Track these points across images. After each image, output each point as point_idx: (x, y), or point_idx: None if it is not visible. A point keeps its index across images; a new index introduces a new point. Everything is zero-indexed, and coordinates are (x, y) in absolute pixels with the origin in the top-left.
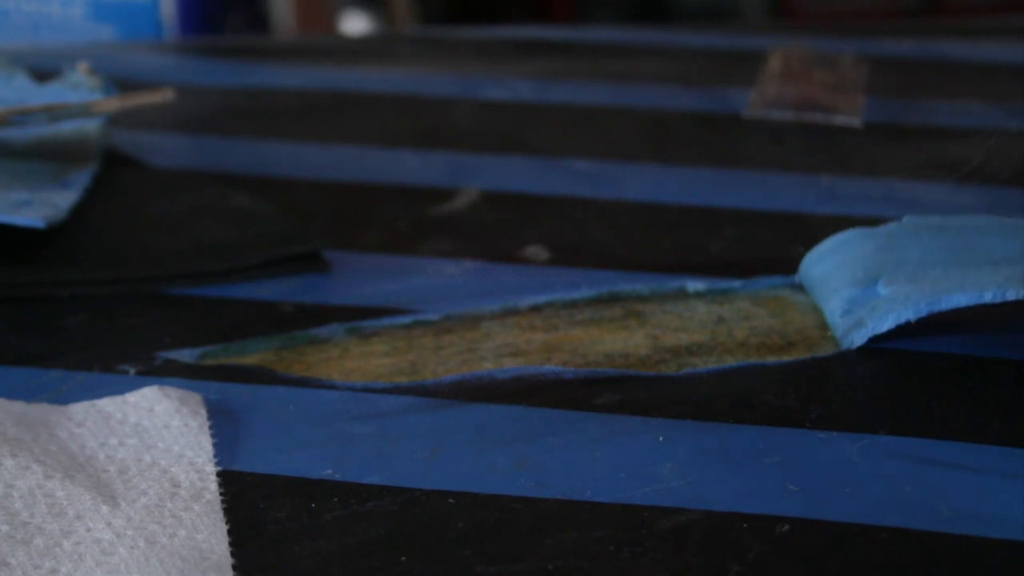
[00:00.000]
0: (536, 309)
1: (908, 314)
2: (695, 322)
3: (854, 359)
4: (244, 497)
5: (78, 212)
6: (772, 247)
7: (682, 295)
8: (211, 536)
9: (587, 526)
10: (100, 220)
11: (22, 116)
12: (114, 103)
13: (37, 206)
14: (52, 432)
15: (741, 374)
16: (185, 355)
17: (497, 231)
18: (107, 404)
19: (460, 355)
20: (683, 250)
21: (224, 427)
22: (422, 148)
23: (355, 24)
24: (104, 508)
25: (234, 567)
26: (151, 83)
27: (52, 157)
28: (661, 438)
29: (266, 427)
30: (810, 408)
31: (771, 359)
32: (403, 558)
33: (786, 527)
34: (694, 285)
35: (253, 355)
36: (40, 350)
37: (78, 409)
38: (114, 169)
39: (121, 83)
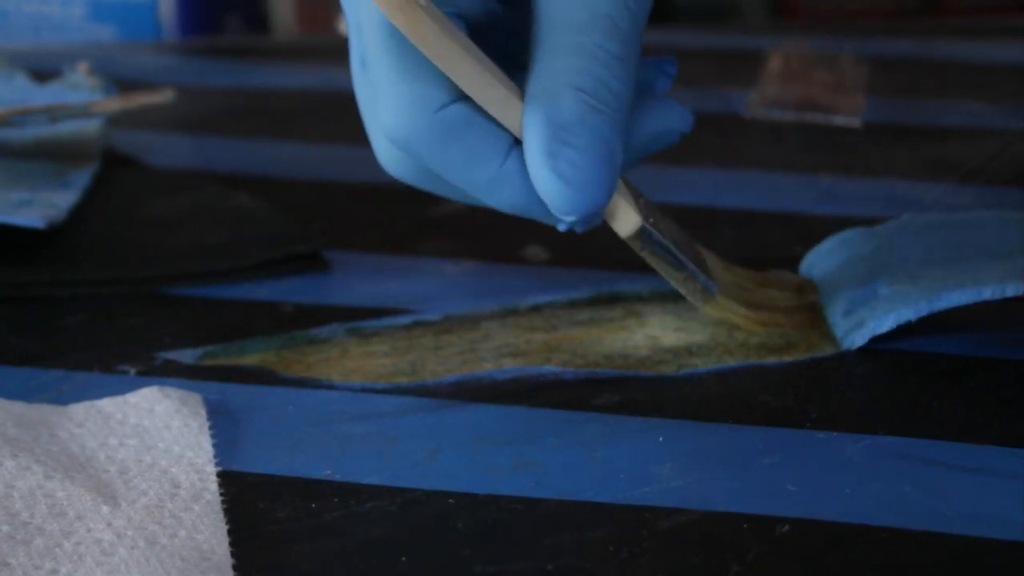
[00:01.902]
0: (536, 309)
1: (908, 313)
2: (695, 322)
3: (854, 359)
4: (244, 497)
5: (78, 212)
6: (772, 247)
7: (682, 295)
8: (211, 536)
9: (587, 526)
10: (100, 220)
11: (22, 116)
12: (114, 103)
13: (37, 206)
14: (52, 432)
15: (741, 374)
16: (185, 355)
17: (497, 231)
18: (107, 404)
19: (460, 355)
20: None
21: (224, 427)
22: None
23: None
24: (104, 508)
25: (234, 567)
26: (151, 83)
27: (52, 157)
28: (661, 438)
29: (266, 427)
30: (810, 408)
31: (771, 359)
32: (403, 558)
33: (786, 527)
34: None
35: (253, 355)
36: (40, 350)
37: (78, 409)
38: (114, 169)
39: (121, 83)
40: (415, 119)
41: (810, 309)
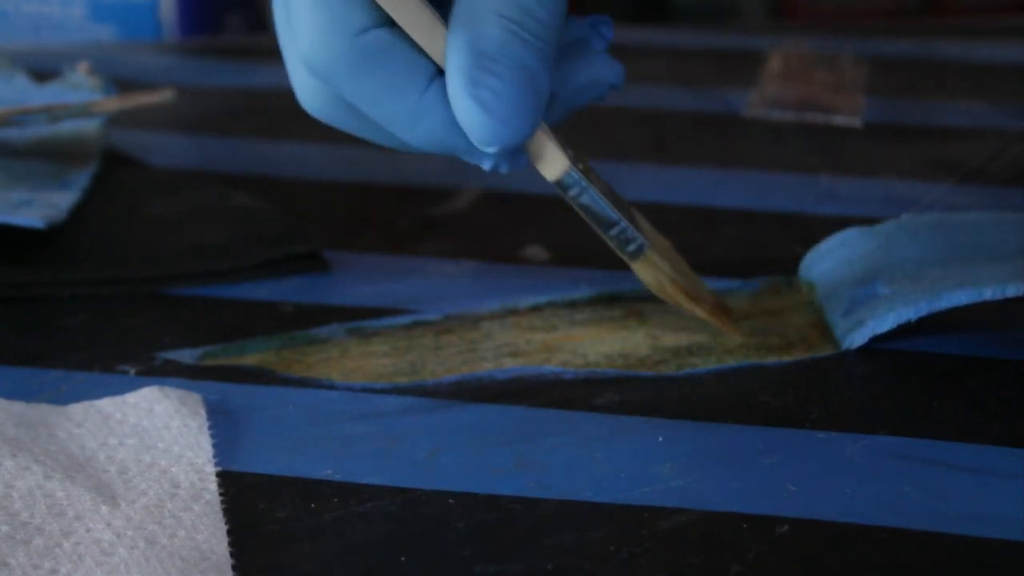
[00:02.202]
0: (536, 309)
1: (908, 313)
2: (695, 322)
3: (854, 359)
4: (244, 497)
5: (78, 212)
6: (772, 247)
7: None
8: (211, 536)
9: (587, 526)
10: (100, 220)
11: (22, 116)
12: (114, 103)
13: (37, 206)
14: (52, 432)
15: (741, 374)
16: (185, 355)
17: (497, 231)
18: (107, 404)
19: (460, 355)
20: (683, 250)
21: (224, 427)
22: None
23: None
24: (104, 508)
25: (234, 567)
26: (151, 83)
27: (52, 157)
28: (661, 438)
29: (266, 427)
30: (809, 408)
31: (771, 359)
32: (403, 558)
33: (785, 527)
34: None
35: (253, 355)
36: (40, 350)
37: (78, 409)
38: (113, 169)
39: (121, 83)
40: (335, 42)
41: (725, 313)
